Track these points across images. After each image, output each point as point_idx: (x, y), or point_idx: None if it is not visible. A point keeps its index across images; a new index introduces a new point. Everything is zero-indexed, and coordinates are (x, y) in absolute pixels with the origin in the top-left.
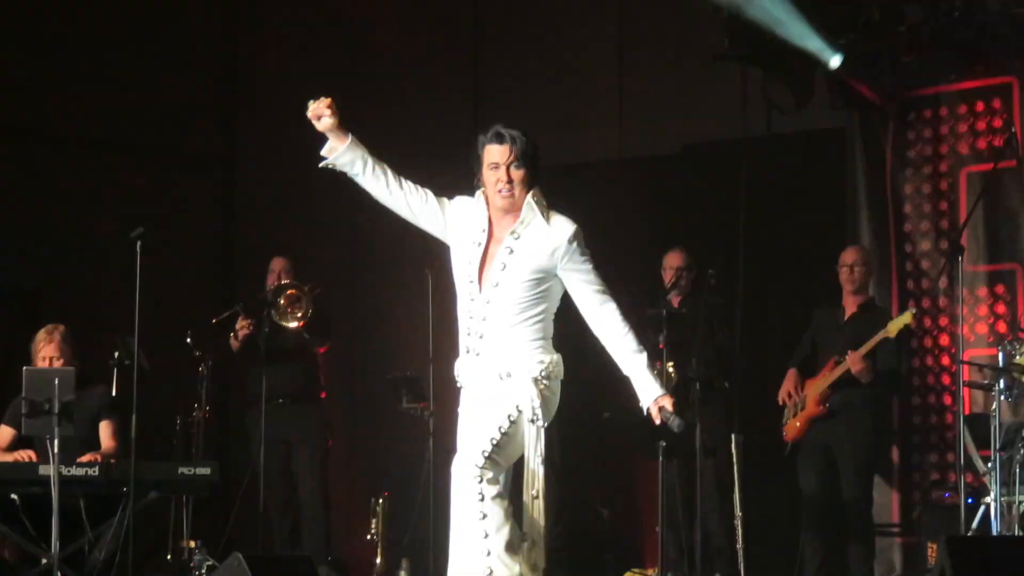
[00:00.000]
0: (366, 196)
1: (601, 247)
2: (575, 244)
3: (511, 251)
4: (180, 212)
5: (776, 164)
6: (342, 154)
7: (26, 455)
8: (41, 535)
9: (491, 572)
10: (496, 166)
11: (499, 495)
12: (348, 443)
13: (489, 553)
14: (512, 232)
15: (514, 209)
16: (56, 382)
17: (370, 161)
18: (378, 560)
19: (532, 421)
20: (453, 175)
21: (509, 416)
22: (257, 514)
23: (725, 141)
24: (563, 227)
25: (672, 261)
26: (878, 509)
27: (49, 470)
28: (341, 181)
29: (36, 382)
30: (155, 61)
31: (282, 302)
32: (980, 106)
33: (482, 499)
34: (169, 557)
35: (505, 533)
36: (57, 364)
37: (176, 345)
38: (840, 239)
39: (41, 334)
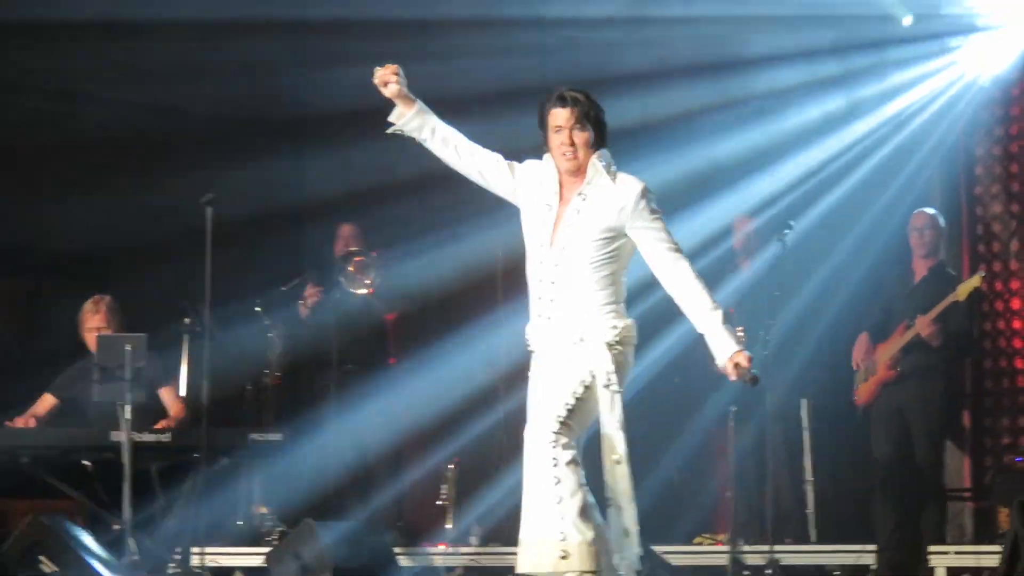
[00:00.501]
0: (438, 161)
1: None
2: (644, 201)
3: (578, 211)
4: (249, 177)
5: None
6: (409, 120)
7: (23, 421)
8: (113, 501)
9: (564, 537)
10: (559, 129)
11: (573, 460)
12: (420, 410)
13: (563, 518)
14: (579, 193)
15: (580, 171)
16: (128, 348)
17: (439, 127)
18: (448, 526)
19: (607, 387)
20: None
21: (583, 382)
22: (328, 480)
23: None
24: (630, 185)
25: (741, 224)
26: (950, 473)
27: (121, 436)
28: (411, 146)
29: (108, 348)
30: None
31: (350, 269)
32: None
33: (556, 464)
34: (241, 523)
35: (579, 499)
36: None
37: (246, 312)
38: (912, 202)
39: (88, 305)
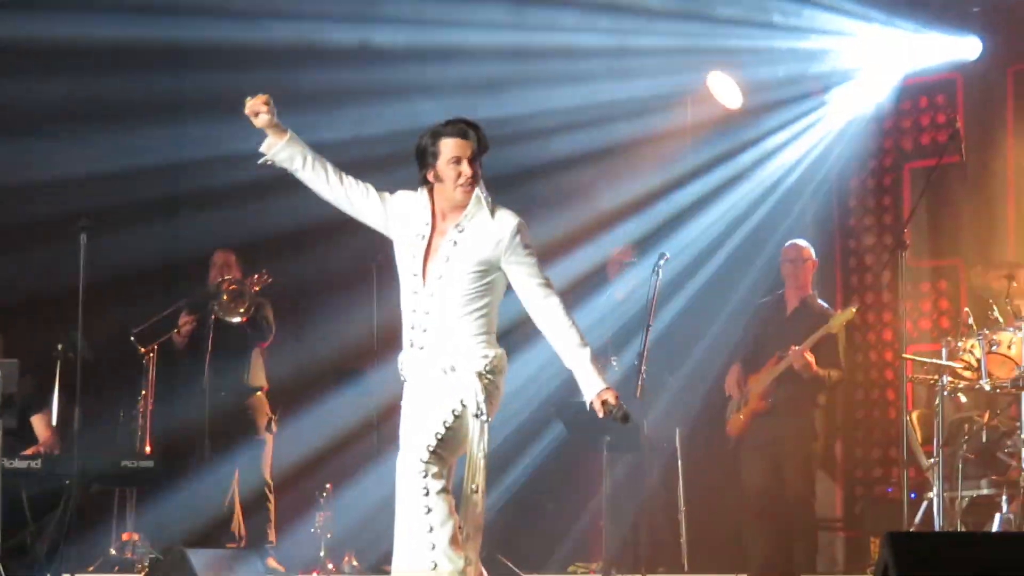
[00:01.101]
0: (308, 191)
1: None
2: (518, 237)
3: (455, 243)
4: (123, 204)
5: (721, 156)
6: (280, 150)
7: None
8: None
9: (436, 566)
10: (458, 160)
11: (443, 490)
12: (292, 436)
13: (434, 547)
14: (457, 225)
15: (461, 204)
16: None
17: (309, 156)
18: (322, 553)
19: (476, 416)
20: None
21: (453, 411)
22: (200, 507)
23: (671, 133)
24: (506, 220)
25: (616, 255)
26: (821, 503)
27: None
28: (284, 175)
29: None
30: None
31: (224, 297)
32: (924, 102)
33: (427, 494)
34: (112, 550)
35: (450, 528)
36: None
37: (119, 339)
38: (785, 233)
39: None
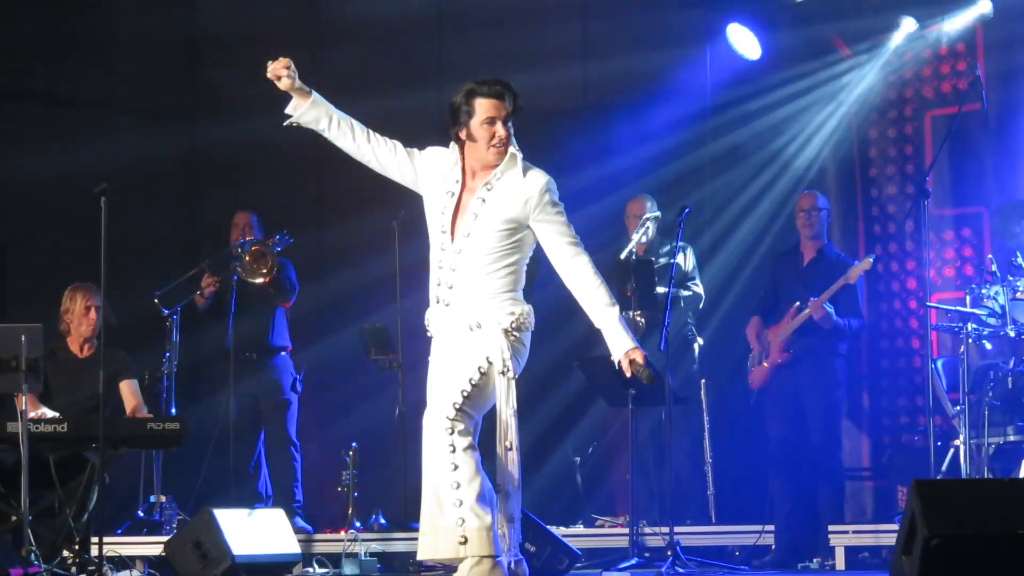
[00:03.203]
0: (336, 149)
1: (568, 195)
2: (547, 195)
3: (483, 201)
4: (144, 168)
5: (742, 109)
6: (305, 112)
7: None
8: (10, 492)
9: (463, 522)
10: (492, 120)
11: (470, 446)
12: (317, 396)
13: (461, 504)
14: (486, 183)
15: (495, 163)
16: (23, 339)
17: (335, 116)
18: (349, 511)
19: (503, 373)
20: (419, 116)
21: (479, 368)
22: (228, 468)
23: (691, 86)
24: (535, 178)
25: (636, 209)
26: (848, 453)
27: (17, 427)
28: (306, 133)
29: (3, 339)
30: (118, 16)
31: (247, 258)
32: (944, 49)
33: (453, 451)
34: (140, 512)
35: (476, 484)
36: (92, 315)
37: (143, 302)
38: (807, 186)
39: (77, 292)
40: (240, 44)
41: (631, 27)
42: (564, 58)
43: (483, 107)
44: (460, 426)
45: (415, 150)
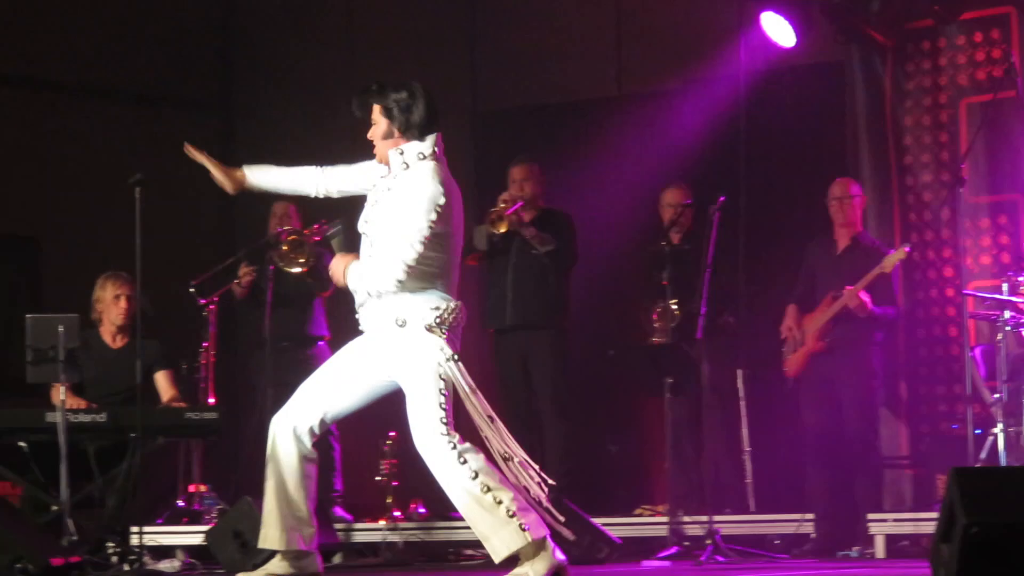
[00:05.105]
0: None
1: (602, 184)
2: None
3: (376, 202)
4: (180, 158)
5: (776, 98)
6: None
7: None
8: (50, 482)
9: (500, 502)
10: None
11: (469, 447)
12: None
13: (488, 489)
14: (388, 187)
15: (387, 163)
16: (60, 329)
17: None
18: (388, 500)
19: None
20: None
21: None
22: (265, 457)
23: (723, 75)
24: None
25: (671, 198)
26: (887, 441)
27: (56, 417)
28: (344, 126)
29: (40, 329)
30: (153, 3)
31: (284, 247)
32: (979, 37)
33: (464, 462)
34: (180, 502)
35: (490, 470)
36: (131, 304)
37: (180, 291)
38: (840, 173)
39: (108, 280)
40: (276, 32)
41: (665, 14)
42: (597, 47)
43: None
44: (455, 436)
45: (365, 162)
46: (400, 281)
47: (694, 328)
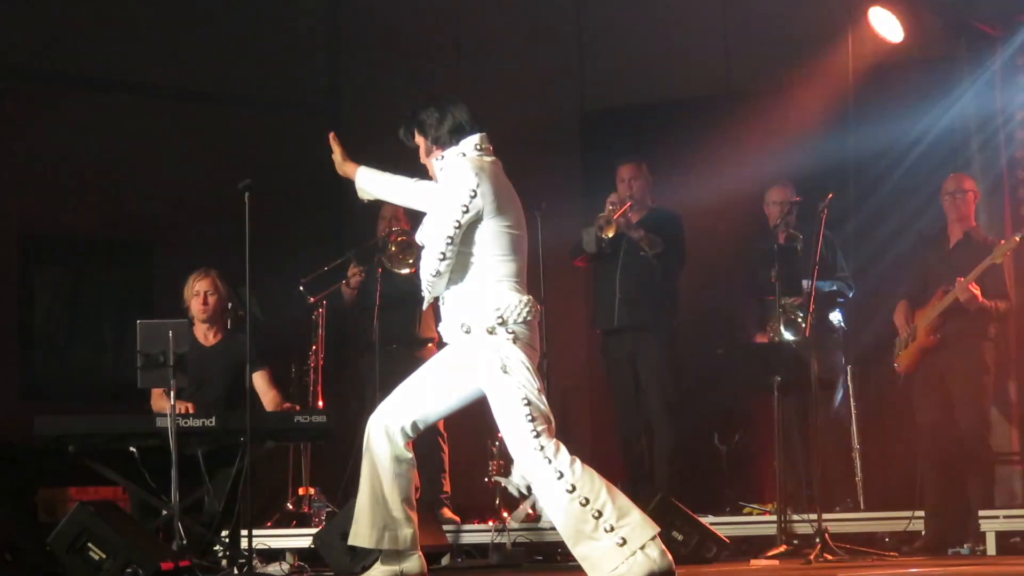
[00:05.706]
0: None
1: (710, 182)
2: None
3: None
4: (288, 161)
5: (885, 94)
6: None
7: (183, 407)
8: (160, 487)
9: (560, 475)
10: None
11: (564, 457)
12: None
13: (561, 475)
14: None
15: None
16: (171, 334)
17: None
18: (496, 502)
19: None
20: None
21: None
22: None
23: (831, 72)
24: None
25: (776, 196)
26: (998, 438)
27: (166, 422)
28: None
29: (151, 334)
30: (259, 7)
31: (392, 248)
32: None
33: (560, 477)
34: (288, 505)
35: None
36: (211, 300)
37: (289, 294)
38: (950, 168)
39: (193, 276)
40: (383, 34)
41: (772, 11)
42: (705, 45)
43: None
44: (546, 441)
45: None
46: (438, 272)
47: (803, 326)
